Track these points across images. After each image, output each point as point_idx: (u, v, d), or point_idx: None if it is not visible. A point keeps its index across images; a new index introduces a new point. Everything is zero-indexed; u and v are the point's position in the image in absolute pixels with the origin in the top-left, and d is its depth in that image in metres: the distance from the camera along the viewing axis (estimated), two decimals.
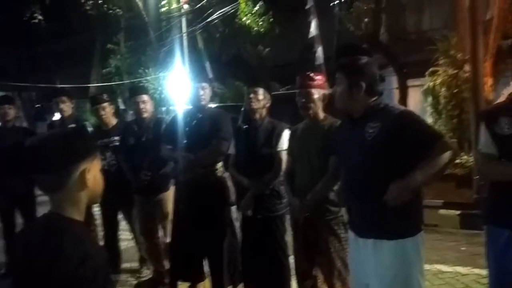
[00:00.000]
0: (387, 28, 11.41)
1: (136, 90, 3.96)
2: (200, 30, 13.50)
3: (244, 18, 11.58)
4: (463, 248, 4.57)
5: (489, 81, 7.15)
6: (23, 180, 3.84)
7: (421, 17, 11.58)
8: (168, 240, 3.78)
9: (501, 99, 2.67)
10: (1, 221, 4.38)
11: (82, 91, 16.33)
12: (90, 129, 4.63)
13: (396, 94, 10.53)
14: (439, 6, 10.64)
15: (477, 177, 5.52)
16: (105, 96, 4.19)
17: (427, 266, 3.91)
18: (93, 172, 1.34)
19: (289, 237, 3.12)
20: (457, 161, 6.89)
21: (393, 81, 10.77)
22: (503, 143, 2.13)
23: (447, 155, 2.00)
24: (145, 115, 3.81)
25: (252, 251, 3.24)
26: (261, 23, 11.42)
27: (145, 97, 3.82)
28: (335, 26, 10.69)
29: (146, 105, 3.79)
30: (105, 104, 4.10)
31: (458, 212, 5.44)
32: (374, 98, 2.13)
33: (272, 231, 3.18)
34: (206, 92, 3.47)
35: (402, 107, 2.20)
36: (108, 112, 4.13)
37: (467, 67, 6.96)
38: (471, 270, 3.93)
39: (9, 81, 18.19)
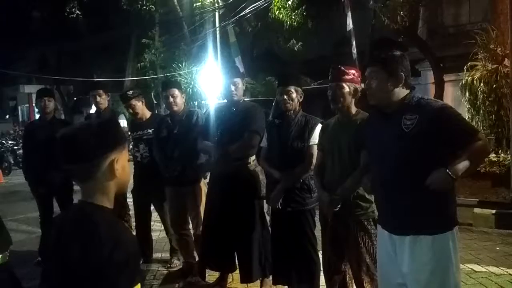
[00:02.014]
0: (424, 22, 11.12)
1: (167, 84, 4.04)
2: (233, 25, 13.53)
3: (277, 12, 11.50)
4: (497, 248, 4.44)
5: None
6: (61, 170, 3.99)
7: (460, 10, 11.22)
8: (198, 232, 3.84)
9: None
10: (40, 210, 4.56)
11: (118, 85, 16.75)
12: (123, 121, 4.78)
13: (432, 89, 10.25)
14: None
15: None
16: (133, 93, 4.28)
17: (460, 266, 3.84)
18: (121, 162, 1.38)
19: (318, 232, 3.12)
20: (494, 159, 6.68)
21: (429, 76, 10.49)
22: None
23: (483, 151, 2.01)
24: (175, 108, 3.88)
25: (282, 244, 3.27)
26: (294, 17, 11.31)
27: (175, 91, 3.88)
28: (370, 20, 10.49)
29: (176, 99, 3.86)
30: (134, 101, 4.20)
31: (494, 211, 5.27)
32: (408, 91, 2.13)
33: (301, 225, 3.20)
34: (238, 87, 3.53)
35: (439, 101, 2.18)
36: (138, 106, 4.23)
37: (507, 62, 6.71)
38: (505, 271, 3.82)
39: (49, 74, 18.82)
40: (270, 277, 3.50)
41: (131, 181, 4.22)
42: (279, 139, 3.25)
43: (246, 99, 4.03)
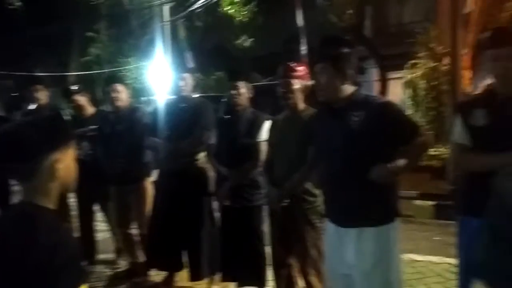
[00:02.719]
0: (371, 21, 11.47)
1: (110, 79, 3.93)
2: (182, 19, 13.34)
3: (227, 8, 11.47)
4: (436, 238, 4.68)
5: (467, 74, 7.27)
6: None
7: (403, 9, 11.66)
8: (144, 231, 3.76)
9: (478, 91, 2.73)
10: None
11: (61, 80, 16.02)
12: (66, 118, 4.57)
13: (376, 86, 10.62)
14: None
15: (452, 167, 5.62)
16: (76, 87, 4.13)
17: (401, 256, 4.01)
18: (66, 162, 1.31)
19: (266, 227, 3.15)
20: (433, 153, 7.02)
21: (374, 74, 10.87)
22: (477, 134, 2.18)
23: (423, 146, 2.15)
24: (119, 104, 3.77)
25: (230, 240, 3.27)
26: (244, 12, 11.33)
27: (119, 86, 3.77)
28: (318, 18, 10.70)
29: (120, 94, 3.75)
30: (77, 96, 4.06)
31: (433, 203, 5.55)
32: (356, 88, 2.19)
33: (250, 221, 3.21)
34: (187, 83, 3.48)
35: (384, 98, 2.26)
36: (82, 102, 4.09)
37: (446, 60, 7.07)
38: (443, 259, 4.02)
39: None
40: (219, 274, 3.48)
41: None
42: (228, 135, 3.25)
43: (196, 95, 3.98)
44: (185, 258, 3.56)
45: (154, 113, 3.71)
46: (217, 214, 3.54)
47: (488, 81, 2.33)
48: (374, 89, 10.59)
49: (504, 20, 6.56)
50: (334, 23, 10.13)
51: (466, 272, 2.28)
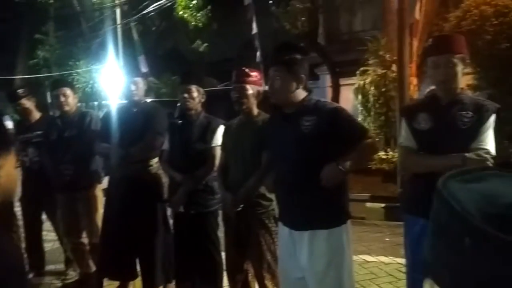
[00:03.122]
0: (323, 28, 11.75)
1: (57, 83, 3.79)
2: (135, 22, 13.09)
3: (181, 12, 11.38)
4: (387, 239, 4.83)
5: (414, 81, 7.59)
6: None
7: (354, 18, 12.04)
8: (94, 240, 3.64)
9: (421, 97, 2.86)
10: None
11: (7, 83, 15.24)
12: (10, 123, 4.36)
13: (329, 92, 10.87)
14: (370, 8, 11.12)
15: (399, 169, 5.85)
16: (22, 91, 3.96)
17: (354, 257, 4.11)
18: (6, 169, 1.25)
19: (221, 233, 3.14)
20: (384, 156, 7.28)
21: (327, 79, 11.13)
22: (421, 137, 2.29)
23: (371, 148, 2.24)
24: (66, 108, 3.64)
25: (185, 247, 3.22)
26: (199, 17, 11.28)
27: (66, 90, 3.64)
28: (273, 24, 10.83)
29: (68, 98, 3.63)
30: (24, 100, 3.89)
31: (383, 205, 5.74)
32: (307, 94, 2.25)
33: (204, 227, 3.18)
34: (139, 87, 3.41)
35: (334, 103, 2.34)
36: (28, 106, 3.92)
37: (394, 68, 7.35)
38: (393, 260, 4.16)
39: None
40: (173, 282, 3.43)
41: (19, 189, 3.87)
42: (181, 140, 3.20)
43: (149, 100, 3.91)
44: (138, 267, 3.48)
45: (105, 118, 3.61)
46: (171, 221, 3.49)
47: (431, 86, 2.46)
48: (327, 95, 10.83)
49: (447, 30, 6.91)
50: (288, 30, 10.29)
51: (413, 271, 2.37)
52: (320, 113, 2.15)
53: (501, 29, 6.13)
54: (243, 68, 2.84)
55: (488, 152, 2.14)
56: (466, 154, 2.11)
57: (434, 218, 0.60)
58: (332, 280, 2.18)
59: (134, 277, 3.52)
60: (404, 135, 2.38)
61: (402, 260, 3.86)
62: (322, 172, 2.07)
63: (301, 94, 2.23)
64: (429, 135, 2.25)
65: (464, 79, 6.66)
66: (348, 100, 9.97)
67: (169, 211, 3.49)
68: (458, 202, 0.54)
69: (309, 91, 2.27)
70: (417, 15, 7.21)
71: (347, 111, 2.27)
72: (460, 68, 2.21)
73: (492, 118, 2.20)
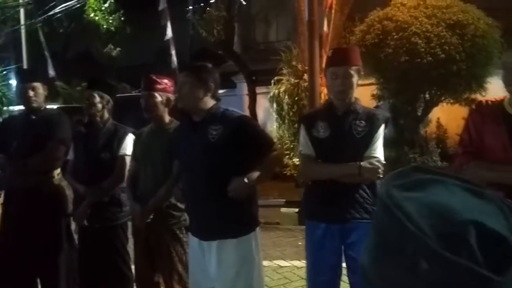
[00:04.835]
0: (239, 37, 11.91)
1: None
2: (40, 24, 12.26)
3: (92, 14, 10.88)
4: (299, 243, 4.96)
5: (324, 90, 7.95)
6: None
7: (269, 28, 12.37)
8: None
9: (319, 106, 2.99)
10: None
11: None
12: None
13: (246, 100, 11.02)
14: (285, 18, 11.50)
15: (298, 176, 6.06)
16: None
17: (268, 263, 4.16)
18: None
19: (131, 247, 3.01)
20: (297, 163, 7.53)
21: (244, 88, 11.28)
22: (319, 145, 2.38)
23: (276, 160, 2.30)
24: None
25: (91, 263, 3.04)
26: (111, 21, 10.86)
27: None
28: (189, 31, 10.76)
29: None
30: None
31: (297, 209, 5.91)
32: (215, 102, 2.25)
33: (111, 241, 3.03)
34: (38, 92, 3.17)
35: (240, 113, 2.34)
36: None
37: (306, 77, 7.65)
38: (305, 263, 4.28)
39: None
40: None
41: None
42: (86, 150, 3.04)
43: (54, 106, 3.66)
44: (39, 286, 3.22)
45: (2, 126, 3.32)
46: (76, 236, 3.28)
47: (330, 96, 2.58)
48: (245, 103, 10.98)
49: (353, 42, 7.35)
50: (204, 37, 10.29)
51: (315, 274, 2.45)
52: (227, 123, 2.17)
53: (401, 43, 6.65)
54: (151, 75, 2.78)
55: (379, 161, 2.29)
56: (361, 163, 2.24)
57: (380, 231, 0.56)
58: None
59: None
60: (303, 142, 2.46)
61: None
62: (229, 186, 2.08)
63: (209, 102, 2.23)
64: (326, 143, 2.35)
65: (369, 89, 7.16)
66: (265, 108, 10.19)
67: (73, 226, 3.28)
68: (408, 218, 0.51)
69: (217, 99, 2.28)
70: (326, 27, 7.58)
71: (254, 122, 2.31)
72: (355, 79, 2.33)
73: (382, 128, 2.36)
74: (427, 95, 7.23)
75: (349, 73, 2.30)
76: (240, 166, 2.12)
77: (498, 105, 2.11)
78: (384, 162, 2.31)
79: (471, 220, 0.50)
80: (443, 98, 7.25)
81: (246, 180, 2.08)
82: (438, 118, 8.33)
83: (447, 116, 7.73)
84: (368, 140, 2.30)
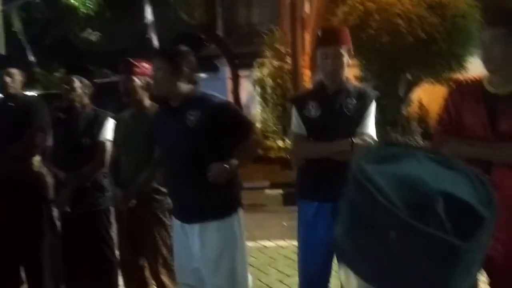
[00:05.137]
0: (222, 20, 11.78)
1: None
2: (16, 9, 11.93)
3: None
4: (285, 224, 5.02)
5: (307, 72, 7.96)
6: None
7: (251, 11, 12.25)
8: None
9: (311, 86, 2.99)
10: None
11: None
12: None
13: (230, 83, 10.97)
14: (266, 0, 11.39)
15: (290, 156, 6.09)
16: None
17: (252, 244, 4.21)
18: None
19: (115, 232, 3.01)
20: (282, 145, 7.57)
21: (227, 71, 11.21)
22: (311, 125, 2.39)
23: (256, 145, 2.31)
24: None
25: (75, 249, 3.03)
26: (89, 5, 10.62)
27: None
28: (170, 14, 10.60)
29: None
30: None
31: (281, 191, 5.97)
32: (193, 87, 2.23)
33: (95, 227, 3.03)
34: (15, 79, 3.11)
35: (219, 97, 2.33)
36: None
37: (289, 60, 7.64)
38: (290, 243, 4.33)
39: None
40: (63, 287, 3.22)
41: None
42: (66, 136, 3.00)
43: (34, 93, 3.59)
44: (23, 274, 3.20)
45: None
46: (58, 223, 3.26)
47: (320, 76, 2.58)
48: (228, 86, 10.93)
49: (336, 24, 7.33)
50: (185, 20, 10.15)
51: (308, 251, 2.48)
52: (205, 108, 2.16)
53: (383, 24, 6.67)
54: (129, 59, 2.74)
55: (371, 137, 2.31)
56: (354, 140, 2.25)
57: (352, 206, 0.57)
58: (226, 270, 2.21)
59: (17, 285, 3.23)
60: (295, 122, 2.47)
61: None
62: (208, 171, 2.08)
63: (185, 87, 2.21)
64: (318, 122, 2.36)
65: (351, 71, 7.18)
66: (248, 91, 10.17)
67: (55, 212, 3.26)
68: (379, 191, 0.52)
69: (195, 83, 2.26)
70: (308, 9, 7.55)
71: (233, 106, 2.30)
72: (346, 59, 2.33)
73: (373, 105, 2.37)
74: (408, 76, 7.29)
75: (339, 52, 2.29)
76: (220, 151, 2.13)
77: (477, 83, 2.13)
78: (375, 138, 2.32)
79: (440, 191, 0.51)
80: (424, 78, 7.33)
81: (225, 165, 2.09)
82: (420, 98, 8.42)
83: (429, 96, 7.82)
84: (359, 117, 2.31)
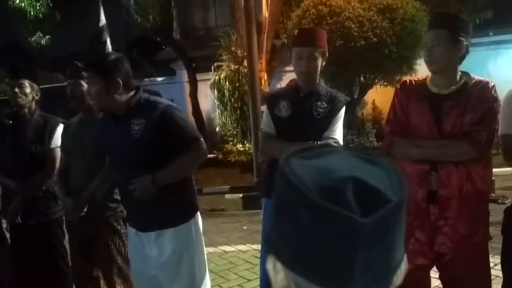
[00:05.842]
0: (178, 23, 11.65)
1: None
2: None
3: (18, 1, 10.18)
4: (244, 228, 5.03)
5: (264, 76, 8.02)
6: None
7: (208, 13, 12.18)
8: None
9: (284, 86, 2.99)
10: None
11: None
12: None
13: (187, 87, 10.87)
14: (223, 4, 11.38)
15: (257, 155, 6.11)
16: None
17: (212, 249, 4.19)
18: None
19: (68, 242, 2.90)
20: (241, 149, 7.57)
21: (184, 75, 11.09)
22: (280, 124, 2.40)
23: (197, 157, 2.18)
24: None
25: (27, 261, 2.90)
26: (38, 7, 10.21)
27: None
28: (123, 17, 10.38)
29: None
30: None
31: (241, 195, 5.97)
32: (132, 93, 2.14)
33: (48, 237, 2.91)
34: None
35: (165, 102, 2.20)
36: None
37: (246, 63, 7.66)
38: (250, 247, 4.35)
39: None
40: None
41: None
42: (13, 143, 2.87)
43: None
44: None
45: None
46: (8, 234, 3.11)
47: (281, 82, 2.59)
48: (185, 90, 10.81)
49: (290, 27, 7.43)
50: (140, 23, 9.96)
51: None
52: (149, 116, 2.07)
53: (336, 28, 6.81)
54: (76, 62, 2.64)
55: (337, 142, 2.33)
56: (319, 143, 2.25)
57: (275, 194, 0.61)
58: (184, 276, 2.18)
59: None
60: (265, 120, 2.47)
61: (258, 246, 4.07)
62: (133, 184, 2.02)
63: (124, 97, 2.11)
64: (287, 122, 2.37)
65: None
66: (206, 94, 10.10)
67: (4, 224, 3.10)
68: (295, 175, 0.56)
69: (136, 89, 2.17)
70: (264, 13, 7.62)
71: (178, 113, 2.17)
72: (320, 61, 2.34)
73: (343, 110, 2.40)
74: (362, 78, 7.50)
75: (314, 55, 2.30)
76: (166, 160, 2.07)
77: (421, 83, 2.21)
78: (341, 143, 2.35)
79: (350, 177, 0.55)
80: (377, 81, 7.56)
81: (150, 179, 2.02)
82: (374, 100, 8.68)
83: (382, 98, 8.07)
84: (327, 121, 2.33)
